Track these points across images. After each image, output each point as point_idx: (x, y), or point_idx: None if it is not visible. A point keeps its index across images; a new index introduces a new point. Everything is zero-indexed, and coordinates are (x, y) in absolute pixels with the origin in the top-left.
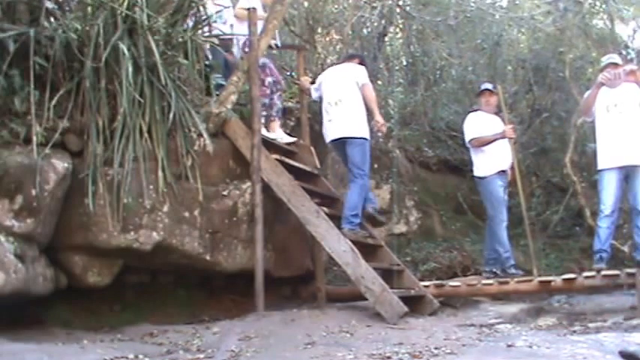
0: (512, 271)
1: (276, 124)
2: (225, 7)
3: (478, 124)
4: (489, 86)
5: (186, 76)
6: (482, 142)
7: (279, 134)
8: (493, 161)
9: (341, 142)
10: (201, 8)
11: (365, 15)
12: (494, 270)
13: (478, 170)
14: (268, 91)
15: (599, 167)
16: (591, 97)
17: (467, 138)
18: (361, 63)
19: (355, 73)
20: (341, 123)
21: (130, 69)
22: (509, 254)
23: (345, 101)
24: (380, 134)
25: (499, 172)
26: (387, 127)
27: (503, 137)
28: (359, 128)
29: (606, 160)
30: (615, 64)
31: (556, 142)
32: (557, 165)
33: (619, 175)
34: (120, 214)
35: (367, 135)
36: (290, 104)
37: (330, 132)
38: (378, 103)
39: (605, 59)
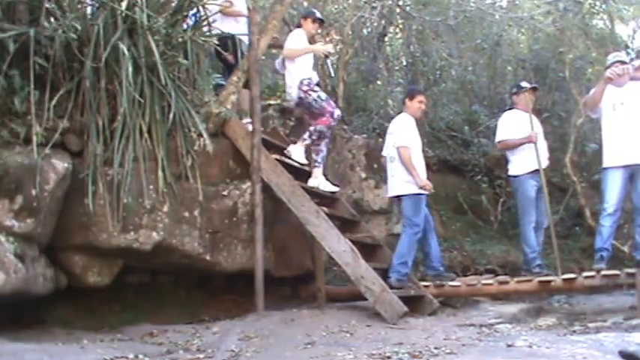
0: (537, 270)
1: (319, 171)
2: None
3: (510, 124)
4: (526, 84)
5: (186, 76)
6: (508, 146)
7: (321, 181)
8: (526, 160)
9: (397, 198)
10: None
11: (365, 15)
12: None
13: (511, 169)
14: (332, 123)
15: (604, 165)
16: (598, 93)
17: (496, 139)
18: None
19: (394, 134)
20: (393, 181)
21: (130, 69)
22: (536, 254)
23: (397, 160)
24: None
25: (532, 172)
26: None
27: (529, 142)
28: (409, 186)
29: (611, 158)
30: (622, 62)
31: (556, 142)
32: (557, 165)
33: (624, 174)
34: (120, 214)
35: (417, 190)
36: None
37: (389, 188)
38: (378, 103)
39: (612, 57)
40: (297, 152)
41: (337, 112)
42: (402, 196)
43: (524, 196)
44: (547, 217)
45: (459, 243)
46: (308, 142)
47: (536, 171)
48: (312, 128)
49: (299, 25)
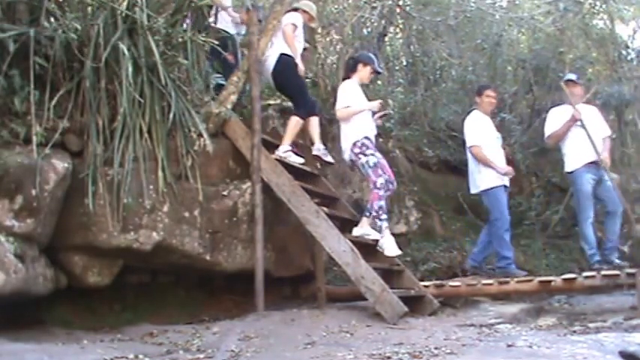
0: (597, 267)
1: (367, 221)
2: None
3: (557, 118)
4: (573, 77)
5: (186, 76)
6: (558, 137)
7: (368, 230)
8: (579, 153)
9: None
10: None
11: (365, 15)
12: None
13: (567, 165)
14: (381, 193)
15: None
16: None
17: (545, 136)
18: None
19: (465, 135)
20: (472, 179)
21: (130, 69)
22: (595, 251)
23: (472, 158)
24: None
25: (588, 165)
26: (387, 128)
27: (574, 121)
28: (485, 181)
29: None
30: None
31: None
32: (557, 165)
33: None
34: (120, 214)
35: (493, 183)
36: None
37: (470, 186)
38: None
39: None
40: (387, 243)
41: (381, 181)
42: (482, 192)
43: (580, 192)
44: (619, 204)
45: (459, 243)
46: (385, 224)
47: (593, 163)
48: (373, 212)
49: (352, 68)
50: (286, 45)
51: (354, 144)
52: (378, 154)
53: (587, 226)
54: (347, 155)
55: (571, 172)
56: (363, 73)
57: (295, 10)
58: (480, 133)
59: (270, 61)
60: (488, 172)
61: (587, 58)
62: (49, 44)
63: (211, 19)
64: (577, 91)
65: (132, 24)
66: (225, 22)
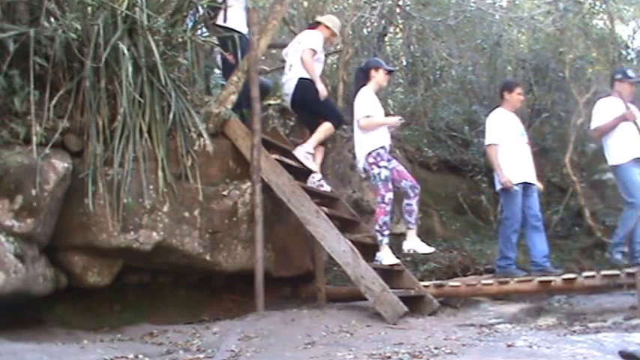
0: (617, 257)
1: (414, 232)
2: None
3: (605, 111)
4: (632, 73)
5: (186, 76)
6: (604, 131)
7: (415, 243)
8: (627, 148)
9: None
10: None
11: (365, 15)
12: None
13: (612, 158)
14: (388, 208)
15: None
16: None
17: (591, 127)
18: None
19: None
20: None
21: (130, 69)
22: (621, 240)
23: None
24: None
25: (635, 159)
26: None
27: (624, 120)
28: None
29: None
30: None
31: (556, 142)
32: (557, 165)
33: None
34: (120, 214)
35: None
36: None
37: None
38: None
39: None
40: (386, 256)
41: (389, 196)
42: (499, 190)
43: (629, 184)
44: None
45: (458, 243)
46: (386, 240)
47: (638, 159)
48: (377, 227)
49: (364, 77)
50: (305, 70)
51: (369, 154)
52: (393, 163)
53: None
54: (361, 164)
55: (617, 166)
56: (379, 77)
57: (317, 24)
58: (501, 131)
59: (289, 85)
60: (508, 173)
61: (587, 58)
62: (49, 44)
63: (220, 17)
64: (627, 87)
65: (132, 24)
66: (236, 20)
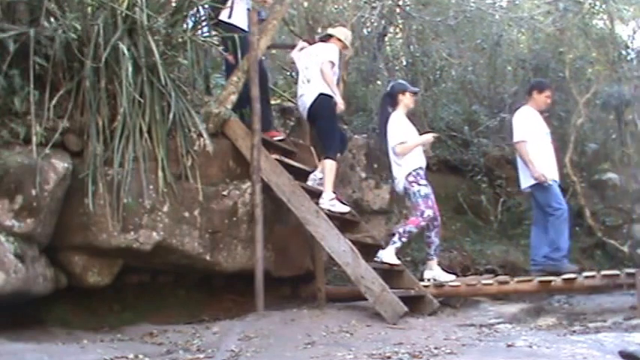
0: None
1: (434, 263)
2: None
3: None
4: None
5: (186, 76)
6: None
7: (437, 273)
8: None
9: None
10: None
11: (365, 15)
12: None
13: None
14: (423, 224)
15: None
16: None
17: None
18: None
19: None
20: (521, 174)
21: (130, 69)
22: None
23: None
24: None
25: None
26: None
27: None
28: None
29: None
30: None
31: (556, 142)
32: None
33: None
34: (120, 214)
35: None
36: (290, 104)
37: (521, 182)
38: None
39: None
40: (388, 255)
41: (428, 213)
42: (532, 187)
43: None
44: None
45: (458, 243)
46: (398, 244)
47: None
48: (401, 230)
49: (392, 102)
50: (325, 84)
51: (409, 174)
52: (429, 188)
53: None
54: (400, 185)
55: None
56: (407, 100)
57: (329, 36)
58: (529, 129)
59: (307, 98)
60: (541, 168)
61: (587, 58)
62: (49, 44)
63: (225, 13)
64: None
65: (132, 24)
66: (240, 18)
